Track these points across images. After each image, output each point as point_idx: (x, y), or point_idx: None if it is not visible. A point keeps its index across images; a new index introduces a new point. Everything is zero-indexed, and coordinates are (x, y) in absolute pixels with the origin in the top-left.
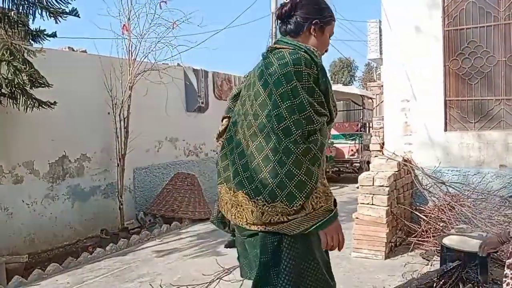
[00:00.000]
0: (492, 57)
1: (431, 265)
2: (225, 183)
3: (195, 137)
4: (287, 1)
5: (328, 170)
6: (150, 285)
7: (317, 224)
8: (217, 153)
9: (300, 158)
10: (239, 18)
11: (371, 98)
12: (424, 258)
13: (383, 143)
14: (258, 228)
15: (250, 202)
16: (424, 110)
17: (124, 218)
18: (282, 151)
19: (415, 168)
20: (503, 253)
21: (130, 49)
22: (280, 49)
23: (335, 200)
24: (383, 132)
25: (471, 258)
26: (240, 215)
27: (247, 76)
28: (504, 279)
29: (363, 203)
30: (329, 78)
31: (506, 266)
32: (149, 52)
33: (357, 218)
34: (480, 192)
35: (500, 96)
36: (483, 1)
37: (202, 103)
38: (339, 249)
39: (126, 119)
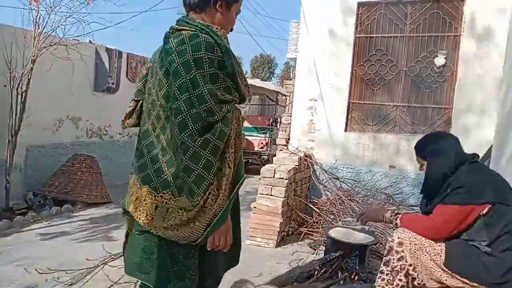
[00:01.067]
0: (395, 66)
1: (316, 254)
2: (134, 174)
3: (100, 118)
4: None
5: None
6: (25, 269)
7: (208, 231)
8: (123, 137)
9: (198, 151)
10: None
11: (285, 95)
12: (311, 248)
13: (288, 138)
14: (152, 230)
15: (156, 197)
16: (329, 110)
17: (10, 198)
18: (179, 146)
19: (314, 164)
20: (381, 246)
21: (37, 21)
22: (181, 31)
23: (234, 194)
24: (290, 128)
25: (351, 249)
26: (142, 209)
27: (152, 57)
28: (379, 275)
29: (262, 194)
30: (236, 58)
31: (382, 262)
32: (58, 26)
33: (255, 207)
34: (369, 189)
35: (397, 103)
36: (392, 13)
37: (113, 83)
38: (225, 250)
39: (24, 94)
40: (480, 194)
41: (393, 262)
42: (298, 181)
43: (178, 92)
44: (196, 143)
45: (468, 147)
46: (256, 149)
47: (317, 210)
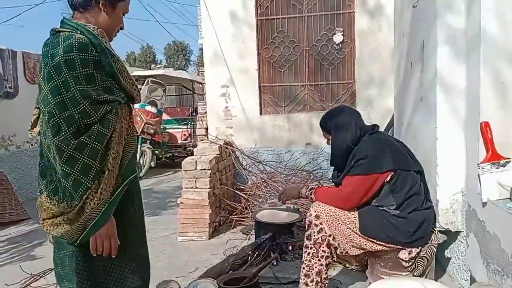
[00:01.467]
0: (298, 46)
1: (249, 240)
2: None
3: (2, 127)
4: None
5: (161, 156)
6: None
7: (86, 231)
8: (32, 145)
9: (73, 155)
10: None
11: (201, 83)
12: (244, 233)
13: (207, 128)
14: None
15: (51, 204)
16: (242, 95)
17: None
18: (54, 151)
19: (235, 150)
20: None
21: None
22: (60, 33)
23: (116, 197)
24: (207, 117)
25: (280, 229)
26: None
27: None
28: (304, 249)
29: (187, 188)
30: (117, 57)
31: (305, 237)
32: None
33: (181, 202)
34: (290, 168)
35: (304, 82)
36: None
37: (10, 87)
38: (111, 255)
39: None
40: (381, 162)
41: (314, 235)
42: (222, 169)
43: (51, 96)
44: (70, 146)
45: (373, 117)
46: (179, 141)
47: (245, 195)
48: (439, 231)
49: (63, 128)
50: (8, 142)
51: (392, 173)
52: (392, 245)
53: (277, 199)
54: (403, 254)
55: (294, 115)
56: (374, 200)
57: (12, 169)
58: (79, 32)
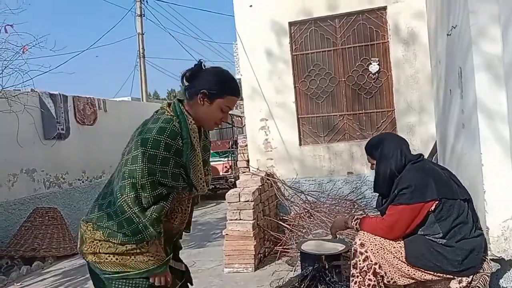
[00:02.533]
0: (334, 77)
1: (294, 271)
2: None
3: (56, 166)
4: (192, 68)
5: None
6: None
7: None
8: (82, 182)
9: (132, 217)
10: (100, 41)
11: (239, 116)
12: (289, 265)
13: (248, 160)
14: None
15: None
16: (281, 127)
17: None
18: (118, 206)
19: (277, 181)
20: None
21: None
22: (164, 111)
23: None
24: (247, 149)
25: (326, 260)
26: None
27: None
28: (351, 278)
29: (232, 219)
30: (199, 153)
31: (351, 266)
32: None
33: (227, 234)
34: (333, 197)
35: (342, 112)
36: (323, 28)
37: (62, 129)
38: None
39: None
40: (425, 192)
41: (360, 263)
42: (264, 201)
43: (130, 161)
44: (129, 210)
45: (415, 145)
46: (221, 173)
47: (288, 226)
48: (492, 259)
49: (127, 190)
50: (61, 180)
51: (437, 202)
52: (441, 274)
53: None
54: (454, 284)
55: (334, 144)
56: (420, 229)
57: (65, 205)
58: (178, 120)
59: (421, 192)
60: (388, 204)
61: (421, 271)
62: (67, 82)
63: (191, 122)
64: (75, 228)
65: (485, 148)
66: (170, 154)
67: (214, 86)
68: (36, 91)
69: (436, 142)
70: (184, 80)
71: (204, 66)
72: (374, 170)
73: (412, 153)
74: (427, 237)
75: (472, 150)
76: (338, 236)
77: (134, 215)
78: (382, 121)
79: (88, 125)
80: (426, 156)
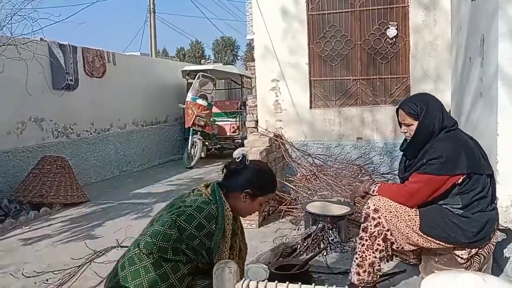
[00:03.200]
0: (350, 40)
1: (298, 230)
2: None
3: (64, 117)
4: (239, 159)
5: (211, 147)
6: (11, 274)
7: None
8: (90, 134)
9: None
10: None
11: (249, 77)
12: (293, 224)
13: (257, 121)
14: None
15: None
16: (292, 89)
17: None
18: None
19: (285, 143)
20: (358, 215)
21: None
22: (201, 193)
23: None
24: (257, 110)
25: (330, 221)
26: None
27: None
28: (359, 241)
29: None
30: (226, 223)
31: (361, 229)
32: (4, 25)
33: None
34: (340, 162)
35: (356, 76)
36: None
37: (71, 80)
38: None
39: None
40: (455, 165)
41: (371, 228)
42: (271, 161)
43: (159, 223)
44: (141, 263)
45: None
46: (228, 133)
47: (294, 187)
48: (498, 229)
49: (142, 245)
50: (69, 130)
51: (465, 176)
52: (451, 245)
53: (351, 202)
54: (460, 251)
55: (345, 109)
56: (440, 200)
57: (73, 155)
58: (216, 205)
59: (451, 165)
60: (413, 171)
61: (431, 240)
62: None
63: (227, 209)
64: (82, 177)
65: (502, 118)
66: (199, 234)
67: (258, 187)
68: (46, 40)
69: (450, 111)
70: (226, 171)
71: (247, 162)
72: (404, 132)
73: (451, 118)
74: (444, 206)
75: (489, 119)
76: (343, 199)
77: (147, 267)
78: (396, 88)
79: (97, 78)
80: None
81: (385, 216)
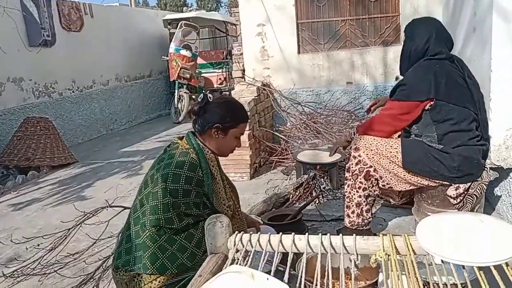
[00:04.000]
0: None
1: (289, 180)
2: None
3: (44, 75)
4: (199, 101)
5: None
6: (0, 241)
7: None
8: (73, 92)
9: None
10: None
11: (234, 24)
12: (284, 174)
13: (243, 70)
14: None
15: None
16: (279, 33)
17: None
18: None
19: (273, 92)
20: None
21: None
22: (178, 146)
23: None
24: (243, 58)
25: (321, 169)
26: None
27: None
28: (345, 181)
29: None
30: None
31: (345, 170)
32: None
33: None
34: (330, 108)
35: (345, 17)
36: None
37: (48, 36)
38: None
39: None
40: (419, 90)
41: (352, 167)
42: (260, 111)
43: (150, 198)
44: (156, 243)
45: None
46: (215, 85)
47: (284, 137)
48: (490, 168)
49: (149, 225)
50: (50, 89)
51: (432, 102)
52: (437, 180)
53: (330, 154)
54: (451, 191)
55: (334, 52)
56: (415, 127)
57: (57, 116)
58: (195, 152)
59: (416, 91)
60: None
61: (418, 176)
62: None
63: (207, 152)
64: (68, 138)
65: (496, 53)
66: (191, 186)
67: (227, 119)
68: None
69: None
70: (192, 114)
71: (210, 98)
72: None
73: (442, 47)
74: (422, 139)
75: (482, 55)
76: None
77: (162, 246)
78: (386, 27)
79: (74, 32)
80: None
81: (367, 154)
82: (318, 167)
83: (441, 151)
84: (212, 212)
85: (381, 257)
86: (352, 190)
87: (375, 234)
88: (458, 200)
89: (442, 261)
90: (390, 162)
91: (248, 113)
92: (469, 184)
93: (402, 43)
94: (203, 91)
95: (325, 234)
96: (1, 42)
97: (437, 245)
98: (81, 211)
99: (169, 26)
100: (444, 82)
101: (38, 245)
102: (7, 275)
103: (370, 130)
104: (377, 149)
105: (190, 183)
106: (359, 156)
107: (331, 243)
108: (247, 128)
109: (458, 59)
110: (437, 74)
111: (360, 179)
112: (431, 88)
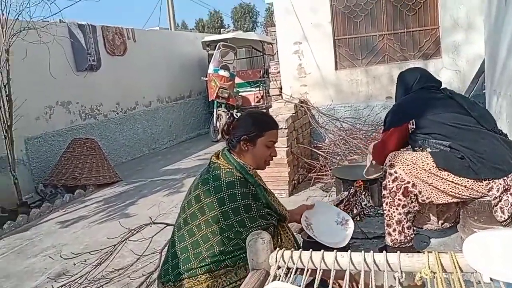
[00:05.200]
0: None
1: (329, 197)
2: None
3: (90, 98)
4: (227, 121)
5: None
6: (50, 257)
7: None
8: (117, 114)
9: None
10: None
11: (270, 43)
12: (324, 191)
13: (281, 88)
14: None
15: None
16: (315, 50)
17: (22, 193)
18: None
19: (311, 108)
20: None
21: None
22: (219, 166)
23: None
24: (280, 76)
25: (362, 185)
26: None
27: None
28: (383, 199)
29: None
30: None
31: (383, 187)
32: (23, 9)
33: None
34: (370, 124)
35: (383, 32)
36: None
37: (93, 60)
38: None
39: (6, 86)
40: (396, 119)
41: (389, 184)
42: (298, 128)
43: (211, 221)
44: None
45: (460, 65)
46: (252, 104)
47: (322, 153)
48: None
49: (216, 248)
50: (96, 111)
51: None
52: (471, 179)
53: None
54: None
55: (372, 67)
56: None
57: (102, 137)
58: (238, 171)
59: (395, 118)
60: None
61: (455, 177)
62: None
63: (249, 168)
64: (113, 158)
65: None
66: (249, 200)
67: (251, 129)
68: (65, 22)
69: (484, 61)
70: (224, 134)
71: (236, 116)
72: None
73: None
74: (433, 141)
75: None
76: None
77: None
78: (425, 41)
79: (118, 56)
80: (471, 77)
81: (403, 169)
82: (358, 183)
83: (452, 148)
84: (279, 219)
85: (426, 275)
86: (391, 208)
87: (419, 252)
88: (506, 217)
89: (491, 279)
90: (428, 174)
91: (286, 130)
92: (503, 183)
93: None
94: (241, 110)
95: (368, 251)
96: (51, 68)
97: (486, 262)
98: (126, 228)
99: (207, 48)
100: (396, 109)
101: (85, 260)
102: None
103: (376, 154)
104: (413, 163)
105: (247, 198)
106: (395, 172)
107: (374, 260)
108: (285, 144)
109: (450, 90)
110: (408, 99)
111: (399, 196)
112: (411, 111)
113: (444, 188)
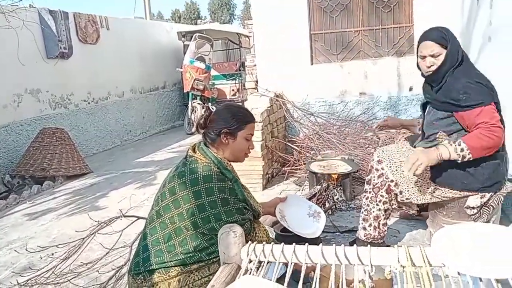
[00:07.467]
0: None
1: (302, 190)
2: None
3: (61, 87)
4: (203, 115)
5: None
6: (15, 251)
7: None
8: (89, 103)
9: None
10: None
11: (247, 36)
12: (297, 185)
13: (257, 81)
14: None
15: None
16: (291, 44)
17: None
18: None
19: (286, 102)
20: (364, 172)
21: None
22: (196, 160)
23: None
24: (256, 69)
25: (335, 179)
26: None
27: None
28: (364, 193)
29: None
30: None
31: (366, 181)
32: None
33: None
34: (343, 119)
35: (358, 28)
36: None
37: (65, 48)
38: None
39: None
40: (491, 94)
41: (374, 180)
42: (273, 122)
43: (186, 215)
44: (200, 254)
45: None
46: (228, 97)
47: (297, 148)
48: (508, 179)
49: (189, 243)
50: (67, 101)
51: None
52: (467, 193)
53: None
54: (474, 201)
55: (347, 63)
56: (444, 134)
57: (72, 127)
58: (216, 166)
59: (490, 92)
60: (454, 110)
61: (446, 188)
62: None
63: (226, 163)
64: (83, 148)
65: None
66: (226, 194)
67: (232, 122)
68: (35, 7)
69: None
70: (200, 128)
71: (213, 109)
72: (429, 66)
73: None
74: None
75: (499, 64)
76: (347, 156)
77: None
78: (399, 38)
79: (91, 44)
80: None
81: (390, 167)
82: (331, 177)
83: (470, 162)
84: (254, 214)
85: (396, 269)
86: (371, 203)
87: (389, 246)
88: (475, 211)
89: (458, 273)
90: (414, 175)
91: (261, 124)
92: (491, 193)
93: (443, 55)
94: (217, 103)
95: (339, 245)
96: (20, 55)
97: (454, 256)
98: (95, 221)
99: (183, 39)
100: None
101: (53, 254)
102: (21, 284)
103: (491, 145)
104: (401, 162)
105: (225, 192)
106: (382, 169)
107: (345, 254)
108: (259, 138)
109: None
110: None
111: (382, 192)
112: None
113: (429, 190)
